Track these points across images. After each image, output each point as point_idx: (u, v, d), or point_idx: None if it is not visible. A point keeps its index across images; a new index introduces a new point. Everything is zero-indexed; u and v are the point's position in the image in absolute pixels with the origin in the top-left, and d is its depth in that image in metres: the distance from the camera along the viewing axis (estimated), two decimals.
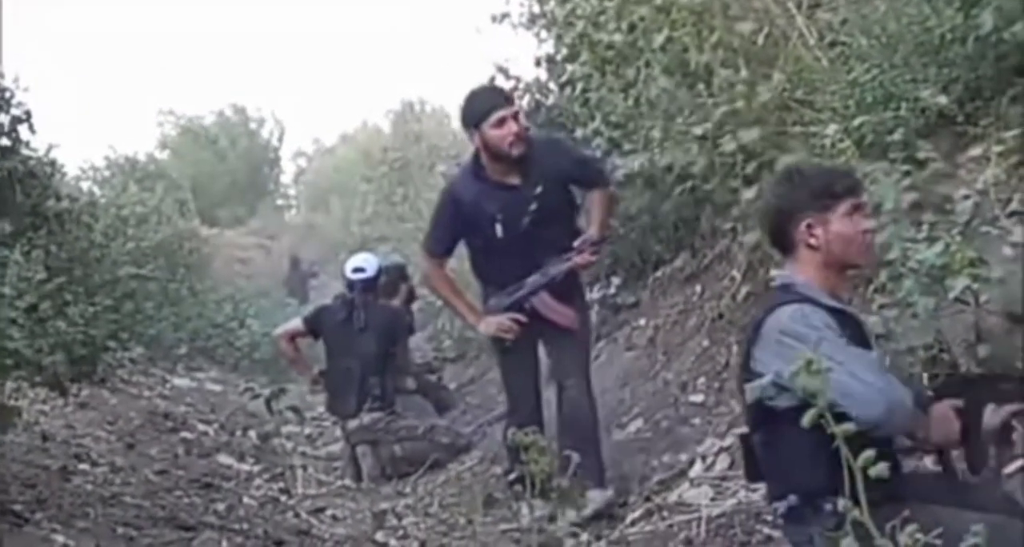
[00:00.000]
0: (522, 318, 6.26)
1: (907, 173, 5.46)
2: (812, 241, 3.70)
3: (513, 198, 6.15)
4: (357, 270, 9.63)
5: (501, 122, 5.96)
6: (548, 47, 10.77)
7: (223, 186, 39.39)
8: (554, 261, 6.22)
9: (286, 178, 45.73)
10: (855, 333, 3.65)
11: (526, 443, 4.11)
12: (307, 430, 11.70)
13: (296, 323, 9.98)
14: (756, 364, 3.67)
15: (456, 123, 28.81)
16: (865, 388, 3.34)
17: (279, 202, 44.11)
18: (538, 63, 10.73)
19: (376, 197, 25.21)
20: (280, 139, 43.91)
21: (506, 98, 6.30)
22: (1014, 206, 5.31)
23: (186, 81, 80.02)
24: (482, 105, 6.09)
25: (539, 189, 6.16)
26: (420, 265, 6.57)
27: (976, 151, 5.75)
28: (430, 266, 6.54)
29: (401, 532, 7.32)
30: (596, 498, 6.01)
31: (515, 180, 6.17)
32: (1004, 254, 5.12)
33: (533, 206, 6.15)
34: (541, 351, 6.70)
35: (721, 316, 7.50)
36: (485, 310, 6.45)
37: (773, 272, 4.01)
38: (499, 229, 6.14)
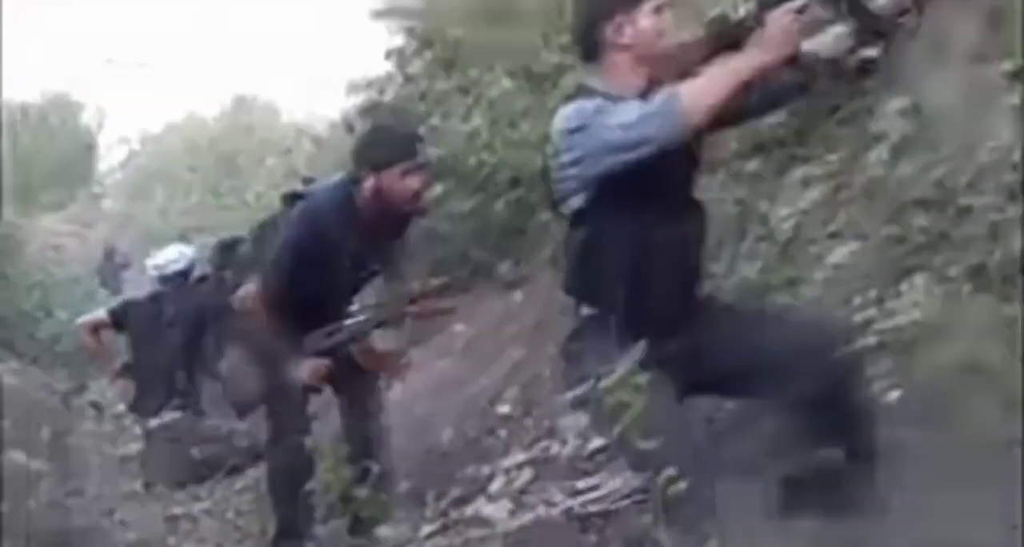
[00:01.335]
0: (331, 365, 5.80)
1: (736, 190, 5.56)
2: (622, 40, 3.70)
3: (381, 255, 5.80)
4: (164, 264, 9.62)
5: (407, 174, 5.41)
6: (399, 40, 10.75)
7: (41, 171, 38.68)
8: (387, 305, 5.90)
9: (106, 165, 45.06)
10: None
11: (325, 452, 4.09)
12: (107, 428, 11.56)
13: (100, 314, 9.86)
14: (553, 167, 3.75)
15: (288, 116, 28.92)
16: (622, 130, 3.45)
17: (96, 190, 43.41)
18: (388, 56, 10.68)
19: (201, 187, 25.03)
20: (101, 125, 43.44)
21: (420, 146, 5.67)
22: (833, 228, 5.42)
23: (10, 62, 78.10)
24: (393, 150, 5.46)
25: (402, 248, 5.97)
26: (247, 289, 5.75)
27: (800, 173, 5.86)
28: (263, 295, 5.73)
29: (196, 537, 7.27)
30: (389, 536, 5.87)
31: (390, 236, 5.81)
32: (821, 274, 5.23)
33: (391, 269, 5.91)
34: None
35: (538, 326, 7.50)
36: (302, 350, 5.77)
37: None
38: (346, 276, 5.69)
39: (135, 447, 10.01)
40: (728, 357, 3.75)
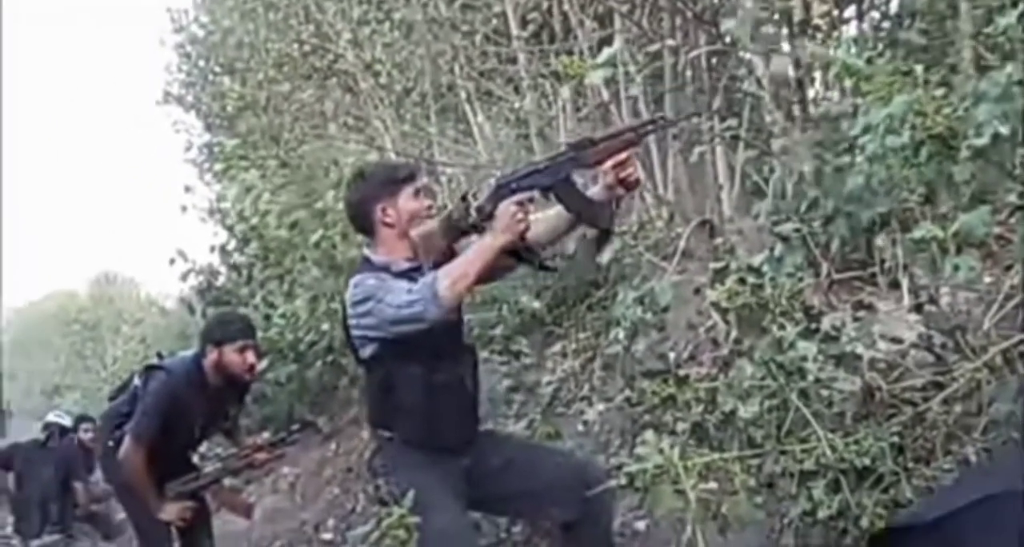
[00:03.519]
0: (195, 506, 5.44)
1: (504, 362, 5.47)
2: (387, 220, 3.62)
3: (219, 410, 5.46)
4: (55, 421, 9.55)
5: (243, 350, 5.25)
6: (222, 238, 10.50)
7: None
8: (232, 456, 5.63)
9: None
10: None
11: None
12: None
13: None
14: (350, 326, 3.61)
15: (144, 290, 28.25)
16: (395, 308, 3.35)
17: None
18: (212, 250, 10.40)
19: (69, 350, 24.26)
20: None
21: (252, 329, 5.52)
22: (584, 392, 5.37)
23: None
24: (231, 331, 5.33)
25: (239, 409, 5.76)
26: (126, 448, 5.19)
27: (558, 347, 5.81)
28: (137, 450, 5.23)
29: None
30: None
31: (231, 400, 5.54)
32: (577, 429, 5.15)
33: (227, 423, 5.65)
34: None
35: (350, 470, 7.33)
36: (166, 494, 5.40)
37: None
38: (197, 432, 5.47)
39: None
40: (505, 481, 3.63)
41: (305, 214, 8.65)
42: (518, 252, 3.49)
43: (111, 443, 5.49)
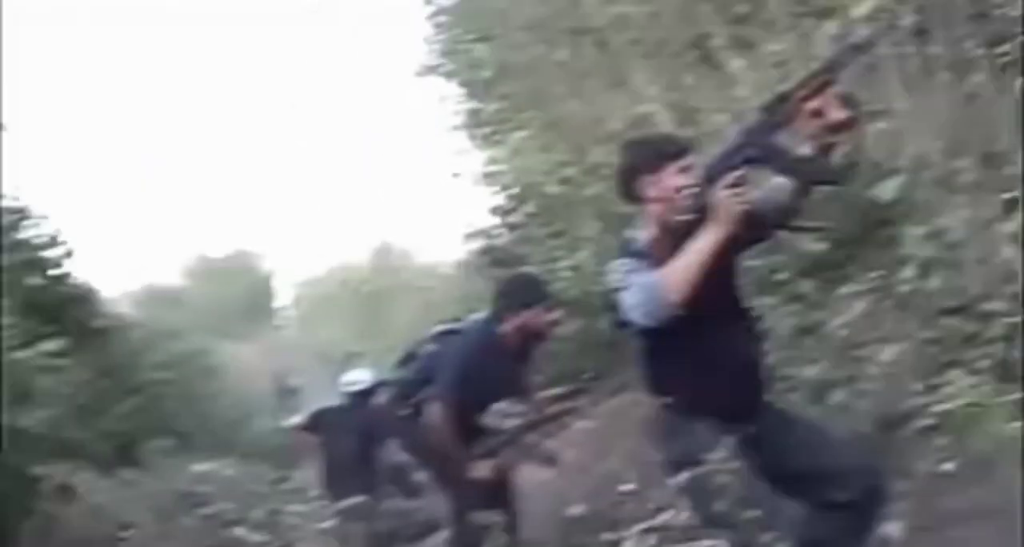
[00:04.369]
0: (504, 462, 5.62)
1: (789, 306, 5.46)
2: (651, 194, 3.51)
3: (516, 370, 5.60)
4: (351, 384, 9.96)
5: (547, 311, 5.39)
6: (496, 201, 10.72)
7: (237, 308, 39.20)
8: (526, 412, 5.63)
9: (281, 303, 45.77)
10: None
11: None
12: (310, 508, 11.52)
13: (301, 419, 10.40)
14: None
15: (420, 259, 29.11)
16: (628, 308, 3.34)
17: (275, 322, 43.95)
18: (491, 211, 10.65)
19: (355, 320, 25.19)
20: (276, 271, 44.32)
21: (547, 288, 5.73)
22: (878, 333, 5.28)
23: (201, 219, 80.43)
24: (534, 294, 5.46)
25: (530, 367, 5.85)
26: (436, 413, 5.41)
27: (846, 289, 5.72)
28: (447, 415, 5.41)
29: None
30: None
31: (525, 359, 5.68)
32: (871, 372, 5.08)
33: (526, 384, 5.74)
34: None
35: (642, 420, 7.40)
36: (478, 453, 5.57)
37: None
38: (500, 392, 5.48)
39: (332, 523, 10.00)
40: (792, 458, 3.57)
41: (576, 171, 8.73)
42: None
43: (406, 410, 5.74)
